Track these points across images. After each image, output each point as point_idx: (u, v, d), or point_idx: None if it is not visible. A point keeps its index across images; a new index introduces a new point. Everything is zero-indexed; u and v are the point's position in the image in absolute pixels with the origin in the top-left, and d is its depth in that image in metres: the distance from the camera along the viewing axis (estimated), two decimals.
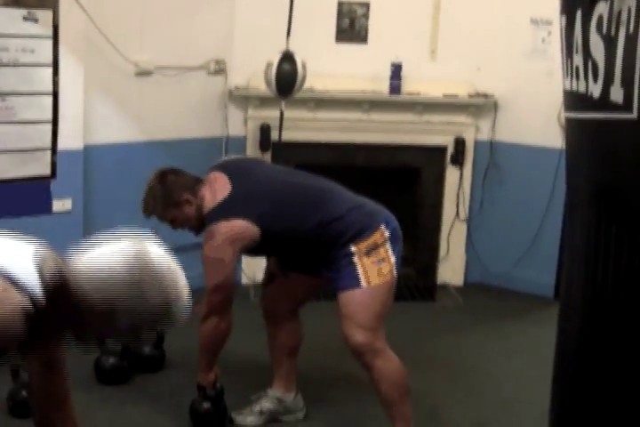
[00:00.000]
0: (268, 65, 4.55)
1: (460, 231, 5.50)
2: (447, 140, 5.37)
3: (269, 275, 3.53)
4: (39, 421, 2.08)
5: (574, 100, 1.81)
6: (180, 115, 4.96)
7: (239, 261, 5.33)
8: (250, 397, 3.57)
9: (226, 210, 3.11)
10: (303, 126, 5.13)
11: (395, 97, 5.20)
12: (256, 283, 4.73)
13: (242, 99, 5.18)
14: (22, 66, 4.09)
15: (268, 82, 4.60)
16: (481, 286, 5.49)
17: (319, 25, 5.17)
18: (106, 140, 4.65)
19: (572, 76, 1.79)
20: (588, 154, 1.76)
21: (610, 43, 1.58)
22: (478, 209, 5.49)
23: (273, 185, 3.23)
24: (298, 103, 4.94)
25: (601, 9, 1.62)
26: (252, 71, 4.96)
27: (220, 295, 3.14)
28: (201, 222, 3.21)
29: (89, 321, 1.66)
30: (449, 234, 5.48)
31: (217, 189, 3.19)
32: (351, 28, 5.23)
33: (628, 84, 1.52)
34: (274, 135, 4.99)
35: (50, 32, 4.14)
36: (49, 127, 4.24)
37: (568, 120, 1.92)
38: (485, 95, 5.30)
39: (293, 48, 4.52)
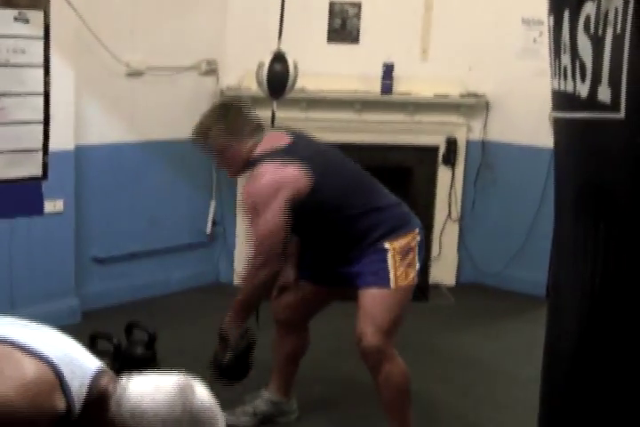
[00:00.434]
0: (260, 65, 4.55)
1: (453, 231, 5.51)
2: (439, 140, 5.38)
3: (280, 289, 3.38)
4: None
5: (562, 99, 1.82)
6: (172, 115, 4.95)
7: (232, 261, 5.36)
8: (244, 396, 3.56)
9: (282, 155, 3.01)
10: (295, 127, 5.11)
11: (386, 97, 5.20)
12: None
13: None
14: (13, 66, 4.08)
15: (259, 82, 4.59)
16: (473, 286, 5.50)
17: (311, 25, 5.17)
18: (97, 141, 4.65)
19: (559, 76, 1.80)
20: (576, 153, 1.77)
21: (597, 43, 1.58)
22: (470, 209, 5.50)
23: (333, 155, 3.20)
24: (289, 103, 4.94)
25: (588, 9, 1.62)
26: (244, 71, 4.96)
27: (270, 240, 2.95)
28: (245, 165, 3.10)
29: None
30: (441, 234, 5.48)
31: (276, 137, 3.13)
32: (343, 29, 5.23)
33: (615, 84, 1.52)
34: None
35: (41, 33, 4.14)
36: (40, 128, 4.24)
37: (556, 120, 1.92)
38: (477, 95, 5.30)
39: (285, 48, 4.52)
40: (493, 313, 5.04)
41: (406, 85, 5.23)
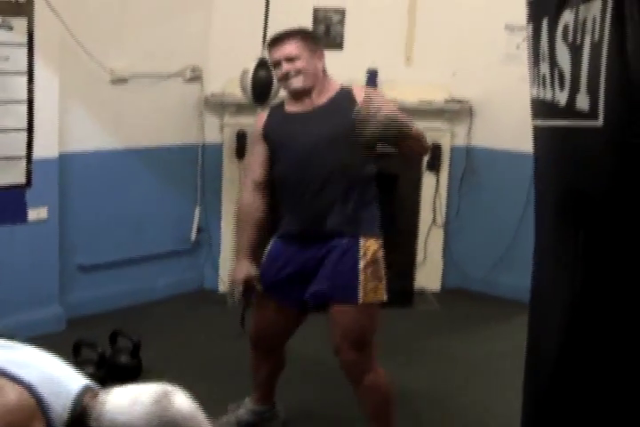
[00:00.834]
0: (244, 72, 4.56)
1: (438, 237, 5.52)
2: None
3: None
4: None
5: (541, 107, 1.83)
6: (156, 122, 4.95)
7: (217, 268, 5.36)
8: (228, 405, 3.55)
9: None
10: None
11: None
12: None
13: (218, 106, 5.17)
14: None
15: (244, 89, 4.60)
16: (458, 291, 5.50)
17: None
18: (81, 148, 4.64)
19: (538, 84, 1.81)
20: (555, 161, 1.78)
21: (575, 51, 1.59)
22: (455, 214, 5.51)
23: None
24: None
25: (566, 18, 1.63)
26: (228, 78, 4.96)
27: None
28: (314, 83, 3.19)
29: None
30: (426, 239, 5.49)
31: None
32: (327, 35, 5.24)
33: (593, 92, 1.53)
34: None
35: (25, 40, 4.13)
36: (24, 135, 4.22)
37: (535, 127, 1.94)
38: (461, 101, 5.32)
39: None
40: (478, 318, 5.04)
41: (390, 91, 5.21)
